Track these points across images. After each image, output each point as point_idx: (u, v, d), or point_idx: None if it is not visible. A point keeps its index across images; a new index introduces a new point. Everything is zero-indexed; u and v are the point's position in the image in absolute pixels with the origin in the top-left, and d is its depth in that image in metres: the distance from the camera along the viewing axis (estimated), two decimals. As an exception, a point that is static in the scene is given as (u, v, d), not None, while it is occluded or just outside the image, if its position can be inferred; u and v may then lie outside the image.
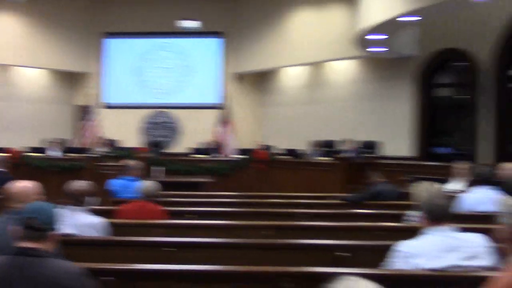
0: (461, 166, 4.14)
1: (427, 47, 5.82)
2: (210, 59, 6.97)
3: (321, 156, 5.94)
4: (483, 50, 5.29)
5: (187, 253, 1.72)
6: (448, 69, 6.04)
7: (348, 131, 6.54)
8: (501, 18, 5.07)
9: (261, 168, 5.69)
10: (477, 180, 2.99)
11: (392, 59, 6.13)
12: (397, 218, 2.63)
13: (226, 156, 6.23)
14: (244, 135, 7.20)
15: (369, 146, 6.31)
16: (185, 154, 6.33)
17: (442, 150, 6.68)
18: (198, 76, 7.04)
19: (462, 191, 3.58)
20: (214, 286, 1.37)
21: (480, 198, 2.91)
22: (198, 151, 6.34)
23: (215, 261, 1.56)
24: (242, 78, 7.11)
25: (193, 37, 6.85)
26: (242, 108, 7.27)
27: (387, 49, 5.61)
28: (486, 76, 5.37)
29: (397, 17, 4.21)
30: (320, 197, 3.72)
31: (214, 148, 6.35)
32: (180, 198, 3.21)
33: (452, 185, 4.17)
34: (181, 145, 7.12)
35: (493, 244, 1.51)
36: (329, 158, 5.64)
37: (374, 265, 1.56)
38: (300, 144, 6.62)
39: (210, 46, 6.95)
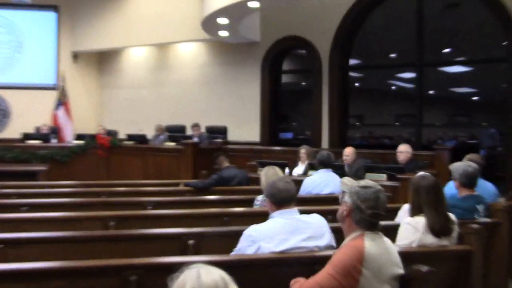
0: (304, 150, 4.55)
1: (272, 34, 5.99)
2: (44, 35, 6.35)
3: (169, 141, 5.84)
4: (325, 39, 5.67)
5: (17, 249, 1.57)
6: (293, 56, 6.35)
7: (197, 116, 6.54)
8: (341, 8, 5.51)
9: (103, 155, 5.46)
10: (320, 164, 3.44)
11: (240, 44, 6.19)
12: (246, 203, 2.75)
13: (63, 141, 5.97)
14: (84, 119, 6.86)
15: (218, 131, 6.37)
16: (17, 140, 5.75)
17: (287, 135, 7.22)
18: (31, 53, 6.35)
19: (305, 175, 4.22)
20: (51, 285, 1.22)
21: (322, 181, 3.30)
22: (31, 136, 5.80)
23: (50, 257, 1.45)
24: (77, 57, 6.51)
25: (24, 10, 5.88)
26: (79, 89, 6.88)
27: (233, 33, 5.66)
28: (328, 64, 5.81)
29: (241, 2, 4.39)
30: (167, 185, 3.68)
31: (50, 133, 5.95)
32: (9, 189, 2.99)
33: (297, 169, 4.46)
34: (12, 130, 6.34)
35: (332, 224, 1.66)
36: (177, 144, 5.56)
37: (224, 251, 1.58)
38: (147, 129, 6.42)
39: (44, 21, 6.24)
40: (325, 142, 6.05)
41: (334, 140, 6.03)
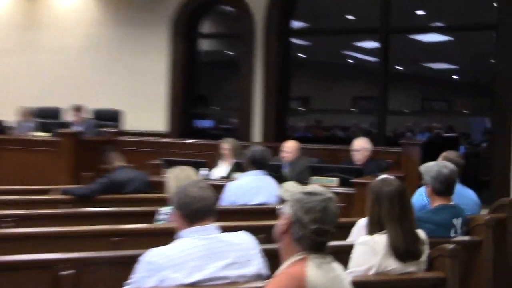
0: (228, 145, 4.72)
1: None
2: None
3: (39, 130, 5.63)
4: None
5: None
6: (216, 16, 6.29)
7: (80, 95, 6.29)
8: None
9: None
10: (250, 164, 3.55)
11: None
12: (146, 217, 2.75)
13: None
14: None
15: (109, 117, 6.21)
16: None
17: (205, 124, 7.33)
18: None
19: (229, 178, 4.32)
20: None
21: (253, 187, 3.41)
22: None
23: None
24: None
25: None
26: None
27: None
28: (264, 27, 5.77)
29: None
30: (34, 192, 3.57)
31: None
32: None
33: (218, 171, 4.66)
34: None
35: (266, 246, 1.68)
36: (50, 134, 5.42)
37: (115, 283, 1.55)
38: (8, 113, 6.01)
39: None
40: (257, 134, 6.15)
41: (270, 131, 6.15)
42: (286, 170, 4.62)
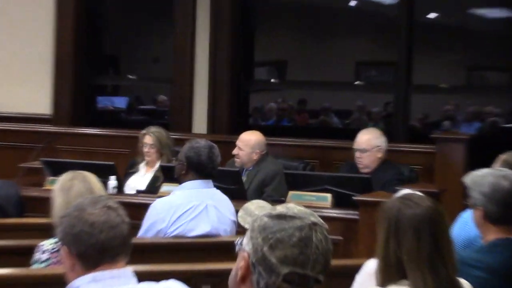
0: (154, 138, 5.06)
1: None
2: None
3: None
4: None
5: None
6: None
7: None
8: None
9: None
10: (189, 170, 3.69)
11: None
12: (17, 256, 2.83)
13: None
14: None
15: None
16: None
17: (117, 104, 7.67)
18: None
19: (153, 192, 4.60)
20: None
21: (193, 207, 3.65)
22: None
23: None
24: None
25: None
26: None
27: None
28: None
29: None
30: None
31: None
32: None
33: (136, 180, 5.11)
34: None
35: None
36: None
37: None
38: None
39: None
40: (200, 121, 6.48)
41: (221, 116, 6.46)
42: (246, 180, 4.79)
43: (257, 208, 1.63)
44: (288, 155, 5.30)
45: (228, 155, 4.91)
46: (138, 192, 4.70)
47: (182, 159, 3.72)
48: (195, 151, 3.69)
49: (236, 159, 4.95)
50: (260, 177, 4.80)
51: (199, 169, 3.67)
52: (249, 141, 4.93)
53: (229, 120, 6.40)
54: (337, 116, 7.92)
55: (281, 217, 1.50)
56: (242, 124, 6.41)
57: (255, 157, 4.90)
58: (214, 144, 3.80)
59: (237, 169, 4.83)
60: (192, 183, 3.69)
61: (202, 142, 3.77)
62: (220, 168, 3.96)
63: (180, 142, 4.66)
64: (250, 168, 4.89)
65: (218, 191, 3.77)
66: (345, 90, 7.53)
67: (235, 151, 4.94)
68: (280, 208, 1.54)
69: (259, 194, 4.69)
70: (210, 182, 3.74)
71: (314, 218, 1.52)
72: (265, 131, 5.24)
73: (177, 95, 6.55)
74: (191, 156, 3.68)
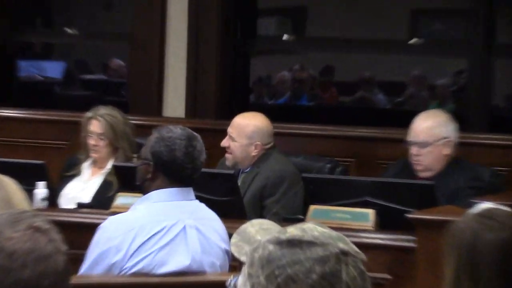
0: (104, 124, 5.19)
1: None
2: None
3: None
4: None
5: None
6: None
7: None
8: None
9: None
10: (158, 172, 3.80)
11: None
12: None
13: None
14: None
15: None
16: None
17: (48, 70, 7.90)
18: None
19: (104, 205, 4.64)
20: None
21: (165, 228, 3.69)
22: None
23: None
24: None
25: None
26: None
27: None
28: None
29: None
30: None
31: None
32: None
33: (77, 186, 5.15)
34: None
35: None
36: None
37: None
38: None
39: None
40: (175, 100, 6.69)
41: (208, 93, 6.65)
42: (242, 186, 4.89)
43: (259, 231, 1.67)
44: (308, 151, 5.42)
45: (217, 150, 5.00)
46: (80, 206, 4.72)
47: (147, 157, 3.77)
48: (167, 145, 3.72)
49: (226, 155, 5.03)
50: (257, 183, 4.93)
51: (173, 171, 3.71)
52: (246, 128, 5.03)
53: (218, 98, 6.46)
54: (383, 92, 7.88)
55: (294, 243, 1.52)
56: (239, 103, 6.49)
57: (254, 152, 5.00)
58: (195, 134, 3.83)
59: (231, 172, 4.87)
60: (162, 192, 3.72)
61: (178, 131, 3.79)
62: (205, 170, 3.96)
63: (144, 130, 4.71)
64: (247, 170, 4.99)
65: (203, 205, 3.80)
66: (396, 53, 7.55)
67: (224, 142, 5.02)
68: (293, 231, 1.56)
69: (257, 209, 4.82)
70: (190, 192, 3.76)
71: (344, 244, 1.54)
72: (273, 113, 5.34)
73: (140, 60, 6.60)
74: (160, 152, 3.71)
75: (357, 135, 5.82)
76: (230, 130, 5.03)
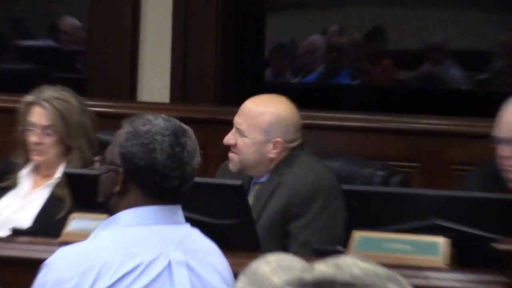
0: (51, 112, 5.24)
1: None
2: None
3: None
4: None
5: None
6: None
7: None
8: None
9: None
10: (132, 183, 3.80)
11: None
12: None
13: None
14: None
15: None
16: None
17: None
18: None
19: (49, 229, 4.71)
20: None
21: (138, 264, 3.65)
22: None
23: None
24: None
25: None
26: None
27: None
28: None
29: None
30: None
31: None
32: None
33: (10, 202, 5.18)
34: None
35: None
36: None
37: None
38: None
39: None
40: (156, 79, 6.97)
41: (204, 67, 6.84)
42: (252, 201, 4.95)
43: (275, 270, 1.74)
44: (351, 151, 5.51)
45: (217, 149, 5.12)
46: (17, 232, 4.70)
47: (114, 161, 3.77)
48: (143, 143, 3.71)
49: (231, 157, 5.09)
50: (279, 199, 4.95)
51: (153, 182, 3.69)
52: (261, 117, 5.10)
53: (218, 75, 6.62)
54: (459, 66, 8.01)
55: (323, 286, 1.55)
56: (249, 82, 6.63)
57: (272, 152, 5.05)
58: (185, 128, 3.83)
59: (238, 182, 4.85)
60: (137, 213, 3.70)
61: (160, 123, 3.79)
62: (199, 179, 3.99)
63: (110, 122, 4.78)
64: (263, 179, 5.07)
65: (196, 232, 3.77)
66: (477, 10, 7.62)
67: (228, 138, 5.10)
68: (323, 268, 1.58)
69: (278, 236, 4.88)
70: (177, 211, 3.74)
71: (397, 286, 1.57)
72: (300, 97, 5.32)
73: (106, 19, 6.74)
74: (134, 154, 3.69)
75: (422, 128, 5.88)
76: (237, 120, 5.10)
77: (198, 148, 3.84)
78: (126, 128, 3.82)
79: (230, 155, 5.07)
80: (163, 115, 3.94)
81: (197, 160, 3.86)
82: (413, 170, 5.63)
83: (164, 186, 3.74)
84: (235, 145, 5.06)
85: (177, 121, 3.91)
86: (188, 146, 3.81)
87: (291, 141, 5.02)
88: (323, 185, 4.94)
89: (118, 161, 3.77)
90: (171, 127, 3.83)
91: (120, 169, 3.76)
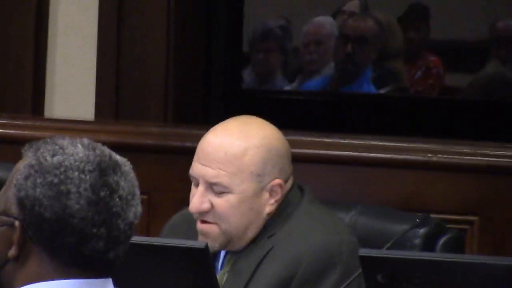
0: None
1: None
2: None
3: None
4: None
5: None
6: None
7: None
8: None
9: None
10: (34, 244, 3.67)
11: None
12: None
13: None
14: None
15: None
16: None
17: None
18: None
19: None
20: None
21: None
22: None
23: None
24: None
25: None
26: None
27: None
28: None
29: None
30: None
31: None
32: None
33: None
34: None
35: None
36: None
37: None
38: None
39: None
40: (77, 83, 7.24)
41: (149, 68, 7.06)
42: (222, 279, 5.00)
43: None
44: (371, 196, 5.54)
45: (168, 194, 5.05)
46: None
47: (9, 210, 3.66)
48: (51, 183, 3.59)
49: (203, 230, 5.08)
50: (275, 272, 4.92)
51: (66, 244, 3.58)
52: (245, 157, 5.09)
53: (171, 81, 6.81)
54: None
55: None
56: (217, 91, 6.82)
57: (269, 204, 5.06)
58: (117, 160, 3.73)
59: (201, 245, 4.71)
60: None
61: (78, 152, 3.65)
62: (142, 240, 4.12)
63: (5, 150, 4.75)
64: (239, 248, 5.08)
65: None
66: None
67: (197, 204, 5.06)
68: None
69: None
70: (109, 286, 3.64)
71: None
72: (297, 111, 5.67)
73: None
74: (37, 200, 3.57)
75: (485, 163, 5.97)
76: (207, 172, 5.09)
77: (138, 192, 3.68)
78: (26, 160, 3.66)
79: (203, 227, 5.07)
80: (85, 140, 3.66)
81: (135, 210, 3.61)
82: (468, 227, 5.63)
83: (82, 251, 3.59)
84: (210, 211, 5.08)
85: (106, 150, 3.69)
86: (120, 189, 3.60)
87: (287, 180, 5.08)
88: (340, 251, 4.89)
89: (13, 211, 3.64)
90: (95, 159, 3.63)
91: (16, 223, 3.61)
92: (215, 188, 5.06)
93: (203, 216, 5.08)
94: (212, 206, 5.06)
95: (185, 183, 5.29)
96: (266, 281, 5.00)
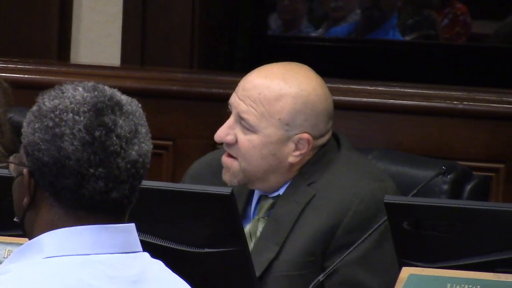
0: None
1: None
2: None
3: None
4: None
5: None
6: None
7: None
8: None
9: None
10: (45, 190, 3.71)
11: None
12: None
13: None
14: None
15: None
16: None
17: None
18: None
19: None
20: None
21: None
22: None
23: None
24: None
25: None
26: None
27: None
28: None
29: None
30: None
31: None
32: None
33: None
34: None
35: None
36: None
37: None
38: None
39: None
40: (109, 36, 7.20)
41: (177, 16, 7.00)
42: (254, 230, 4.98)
43: None
44: (395, 141, 5.56)
45: (193, 140, 5.11)
46: None
47: (22, 158, 3.73)
48: (47, 127, 3.61)
49: (226, 163, 5.10)
50: (321, 220, 4.94)
51: (67, 187, 3.57)
52: (278, 103, 5.07)
53: (196, 27, 6.81)
54: None
55: None
56: (243, 37, 6.80)
57: (293, 155, 5.07)
58: (119, 100, 3.64)
59: (227, 191, 4.64)
60: (62, 235, 3.61)
61: (76, 95, 3.66)
62: (165, 185, 4.14)
63: (31, 95, 4.77)
64: (278, 192, 5.08)
65: (159, 266, 3.70)
66: None
67: (222, 134, 5.10)
68: None
69: (314, 276, 4.75)
70: (126, 233, 3.60)
71: None
72: (322, 58, 5.68)
73: None
74: (37, 145, 3.61)
75: (510, 110, 5.97)
76: (240, 105, 5.12)
77: (143, 130, 3.66)
78: (32, 108, 3.74)
79: (226, 160, 5.09)
80: (90, 83, 3.75)
81: (139, 148, 3.64)
82: (494, 174, 5.72)
83: (84, 192, 3.58)
84: (234, 145, 5.09)
85: (109, 91, 3.71)
86: (118, 128, 3.60)
87: (321, 136, 5.08)
88: (383, 198, 4.65)
89: (24, 159, 3.74)
90: (93, 100, 3.64)
91: (25, 170, 3.70)
92: (243, 123, 5.09)
93: (229, 148, 5.13)
94: (236, 140, 5.10)
95: (210, 129, 5.21)
96: (310, 229, 5.02)
